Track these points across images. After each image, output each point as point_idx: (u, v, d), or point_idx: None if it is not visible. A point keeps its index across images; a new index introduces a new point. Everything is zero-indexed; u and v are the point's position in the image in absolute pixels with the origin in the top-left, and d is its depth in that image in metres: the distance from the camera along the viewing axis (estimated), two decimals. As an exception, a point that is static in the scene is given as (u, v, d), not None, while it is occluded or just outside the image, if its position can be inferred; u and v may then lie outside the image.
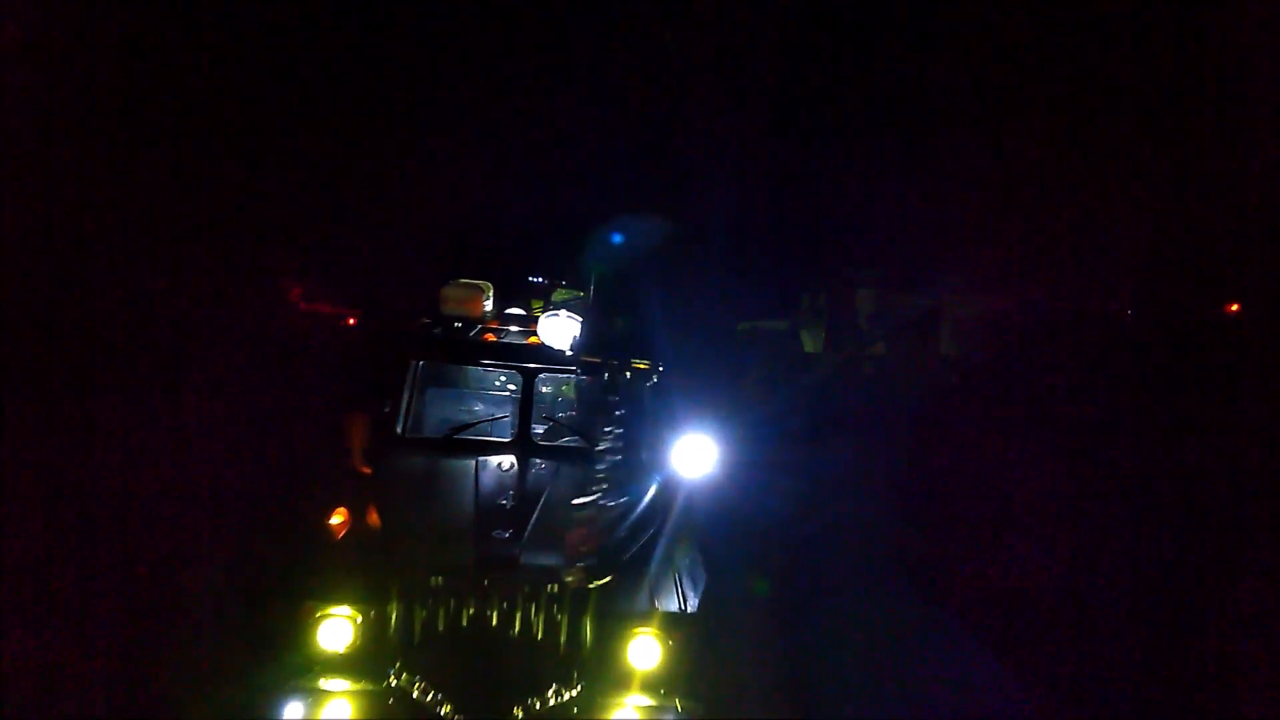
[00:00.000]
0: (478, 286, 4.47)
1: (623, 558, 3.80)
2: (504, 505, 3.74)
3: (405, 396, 4.31)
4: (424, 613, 3.38)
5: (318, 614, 3.39)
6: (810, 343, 19.16)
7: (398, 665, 3.32)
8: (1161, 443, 8.81)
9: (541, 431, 4.48)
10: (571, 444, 4.39)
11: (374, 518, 3.89)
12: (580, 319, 4.42)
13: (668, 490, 4.28)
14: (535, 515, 3.70)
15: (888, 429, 7.86)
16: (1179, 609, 5.44)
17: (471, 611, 3.40)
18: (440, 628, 3.38)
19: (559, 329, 4.41)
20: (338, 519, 4.16)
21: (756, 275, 14.88)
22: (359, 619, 3.40)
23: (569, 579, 3.45)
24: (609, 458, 4.28)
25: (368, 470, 4.26)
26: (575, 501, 3.83)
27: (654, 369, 4.28)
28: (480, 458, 4.09)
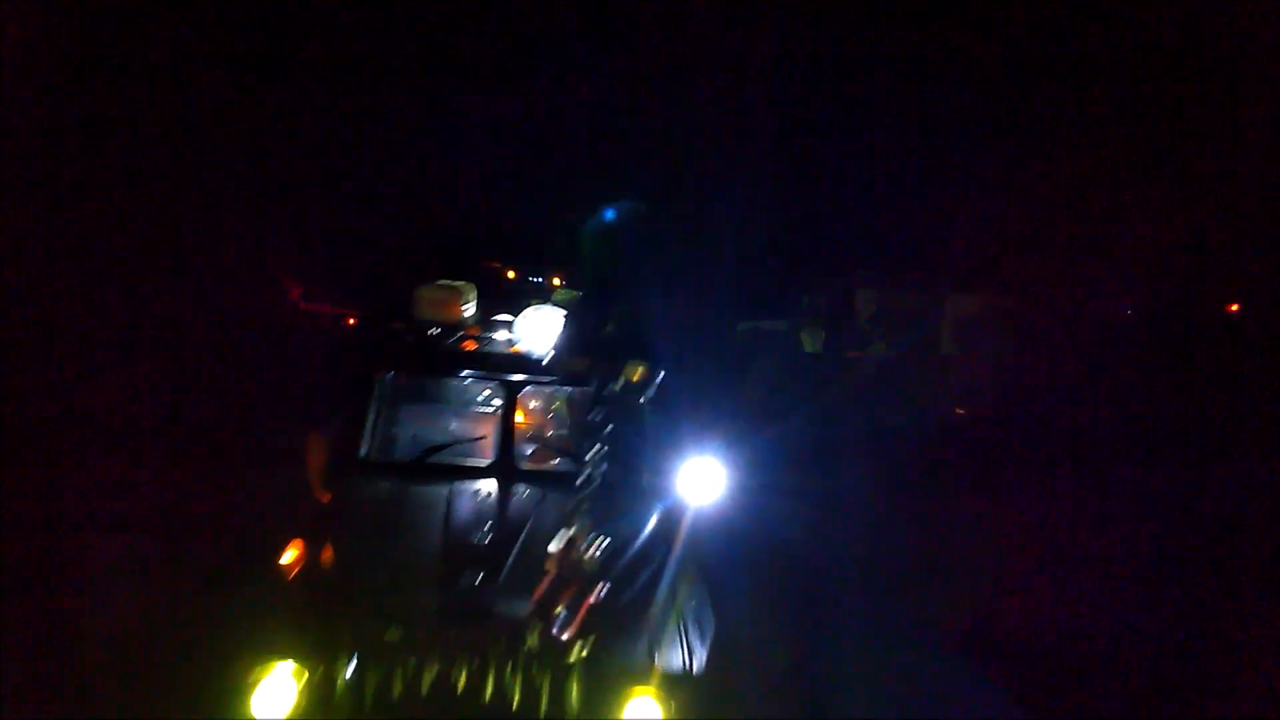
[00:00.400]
0: (456, 288, 3.94)
1: (618, 603, 3.29)
2: (477, 543, 3.21)
3: (371, 413, 3.79)
4: (377, 673, 2.86)
5: (255, 671, 2.87)
6: (810, 343, 18.88)
7: (345, 738, 2.80)
8: (1180, 453, 8.35)
9: (528, 454, 3.96)
10: (561, 469, 3.87)
11: (329, 555, 3.37)
12: (565, 314, 3.89)
13: (671, 520, 3.76)
14: (514, 554, 3.18)
15: (900, 452, 7.35)
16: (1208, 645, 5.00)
17: (434, 672, 2.87)
18: (396, 692, 2.85)
19: (539, 327, 3.87)
20: (290, 556, 3.65)
21: (757, 275, 14.46)
22: (303, 677, 2.88)
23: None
24: (603, 482, 3.77)
25: (326, 499, 3.74)
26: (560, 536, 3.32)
27: (653, 375, 3.72)
28: (454, 485, 3.57)
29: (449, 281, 3.93)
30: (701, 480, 3.83)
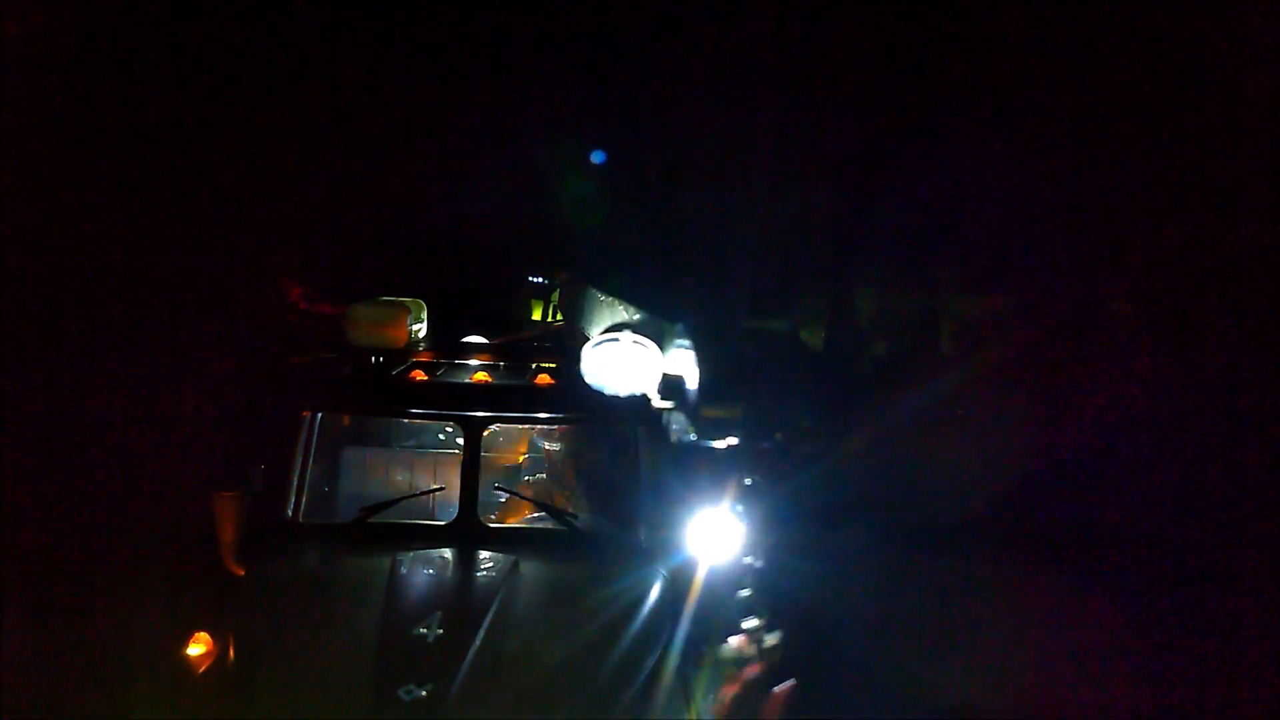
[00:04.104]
0: (400, 305, 3.18)
1: (611, 712, 2.53)
2: (425, 636, 2.44)
3: (298, 464, 3.02)
4: None
5: None
6: (810, 343, 18.59)
7: None
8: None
9: (497, 508, 3.21)
10: (538, 525, 3.12)
11: (238, 651, 2.63)
12: (655, 347, 2.97)
13: (678, 589, 3.01)
14: (474, 650, 2.41)
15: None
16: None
17: None
18: None
19: (626, 365, 2.99)
20: (198, 647, 2.89)
21: (757, 275, 13.90)
22: None
23: None
24: (595, 543, 3.03)
25: (241, 573, 2.98)
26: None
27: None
28: (401, 553, 2.81)
29: (391, 297, 3.17)
30: (714, 536, 3.09)
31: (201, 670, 2.80)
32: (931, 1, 13.71)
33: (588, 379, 3.04)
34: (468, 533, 2.95)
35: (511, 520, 3.21)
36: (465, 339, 4.01)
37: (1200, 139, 10.94)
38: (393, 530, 2.96)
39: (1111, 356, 11.34)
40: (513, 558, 2.85)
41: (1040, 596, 5.21)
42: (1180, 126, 11.22)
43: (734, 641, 1.77)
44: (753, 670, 1.95)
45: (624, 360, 2.97)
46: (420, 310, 3.29)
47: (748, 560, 2.56)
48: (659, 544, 3.12)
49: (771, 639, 1.81)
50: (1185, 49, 10.77)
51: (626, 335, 2.99)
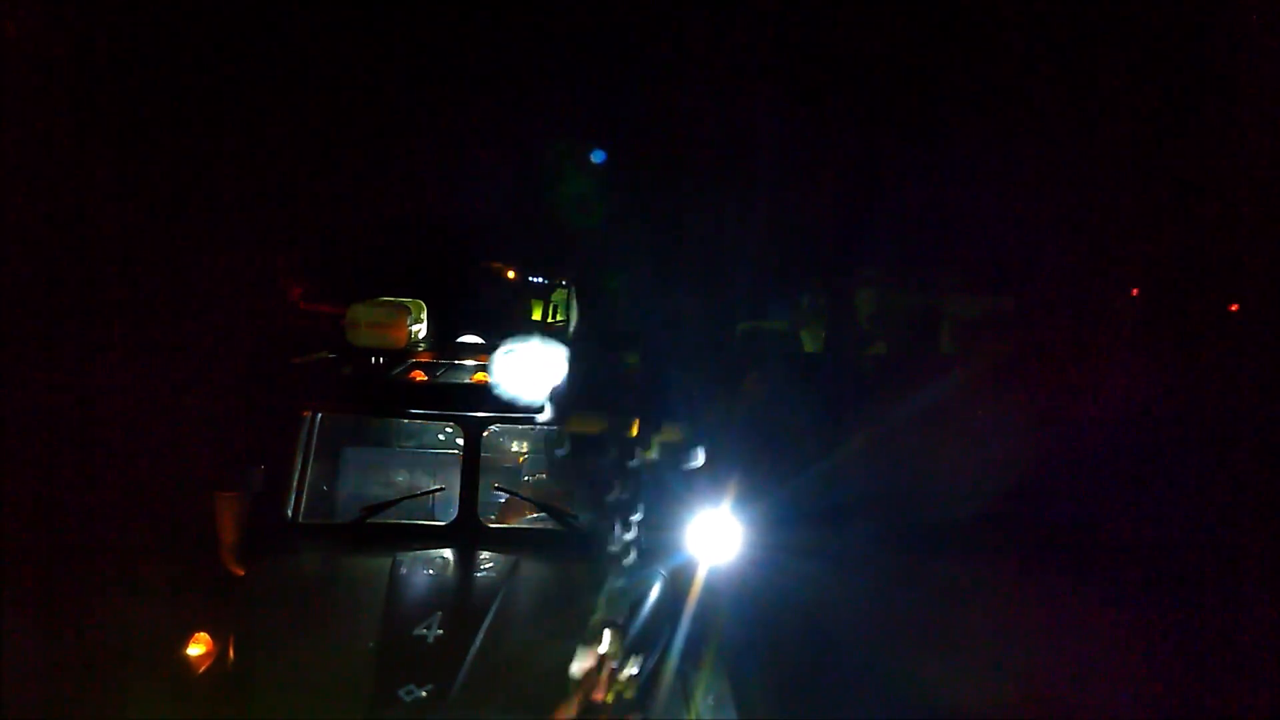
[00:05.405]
0: (401, 306, 3.18)
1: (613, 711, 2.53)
2: (424, 637, 2.45)
3: (298, 464, 3.03)
4: None
5: None
6: (810, 343, 18.54)
7: None
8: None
9: (497, 509, 3.21)
10: (538, 525, 3.12)
11: (237, 652, 2.63)
12: (561, 352, 2.91)
13: (679, 589, 3.01)
14: (473, 651, 2.41)
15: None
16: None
17: None
18: None
19: (525, 370, 2.99)
20: (198, 647, 2.89)
21: (757, 275, 13.86)
22: None
23: None
24: (600, 545, 3.02)
25: (242, 572, 2.99)
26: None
27: (690, 440, 2.63)
28: (401, 554, 2.82)
29: (392, 298, 3.17)
30: (715, 537, 3.08)
31: (201, 670, 2.79)
32: (932, 2, 13.71)
33: (501, 385, 2.99)
34: (468, 533, 2.95)
35: (511, 520, 3.22)
36: (461, 338, 4.02)
37: (1200, 139, 10.93)
38: (393, 530, 2.97)
39: (1111, 356, 11.34)
40: (513, 558, 2.86)
41: (1041, 597, 5.19)
42: (1180, 126, 11.20)
43: (582, 661, 1.66)
44: (597, 696, 1.85)
45: (530, 366, 2.92)
46: (420, 311, 3.30)
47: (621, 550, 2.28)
48: (659, 545, 3.12)
49: (630, 667, 1.70)
50: (1185, 49, 10.76)
51: (533, 341, 2.94)
